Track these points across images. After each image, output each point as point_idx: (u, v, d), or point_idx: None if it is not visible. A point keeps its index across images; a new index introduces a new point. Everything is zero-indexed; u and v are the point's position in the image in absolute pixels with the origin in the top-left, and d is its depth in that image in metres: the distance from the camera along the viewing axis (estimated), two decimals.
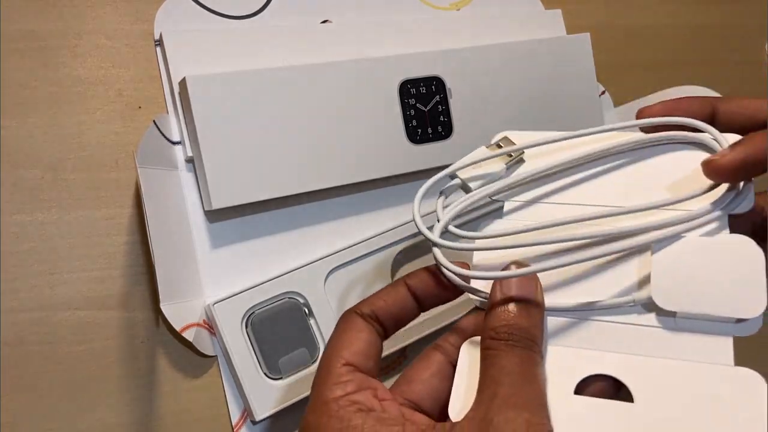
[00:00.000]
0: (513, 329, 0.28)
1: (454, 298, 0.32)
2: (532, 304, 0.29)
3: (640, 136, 0.33)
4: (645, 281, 0.29)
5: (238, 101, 0.39)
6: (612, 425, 0.27)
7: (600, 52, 0.51)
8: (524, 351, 0.28)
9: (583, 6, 0.55)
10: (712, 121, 0.34)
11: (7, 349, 0.36)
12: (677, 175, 0.32)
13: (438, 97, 0.45)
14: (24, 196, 0.37)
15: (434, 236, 0.31)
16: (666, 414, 0.26)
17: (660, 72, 0.58)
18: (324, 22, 0.45)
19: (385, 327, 0.32)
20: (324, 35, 0.44)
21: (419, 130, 0.44)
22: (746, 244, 0.28)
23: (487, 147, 0.35)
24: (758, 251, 0.28)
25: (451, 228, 0.31)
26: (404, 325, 0.32)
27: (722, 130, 0.32)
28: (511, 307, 0.29)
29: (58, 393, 0.37)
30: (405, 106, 0.44)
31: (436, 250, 0.31)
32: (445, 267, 0.31)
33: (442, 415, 0.29)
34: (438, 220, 0.32)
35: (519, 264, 0.30)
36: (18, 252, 0.37)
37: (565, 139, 0.34)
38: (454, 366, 0.30)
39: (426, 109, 0.44)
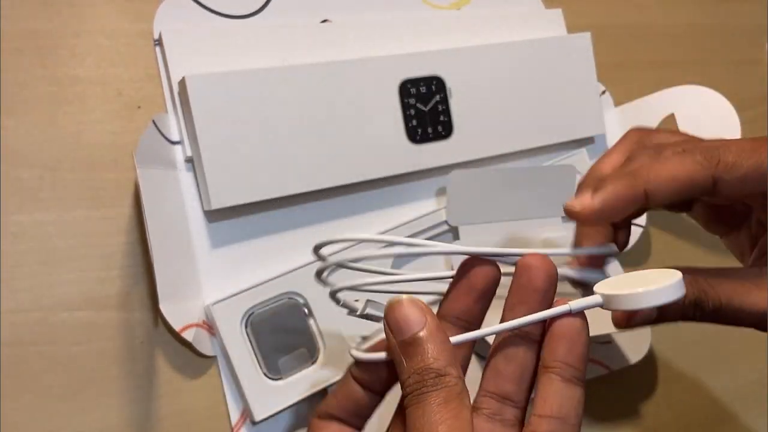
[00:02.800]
0: (416, 374, 0.27)
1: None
2: (417, 339, 0.27)
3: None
4: None
5: (238, 101, 0.39)
6: None
7: (600, 52, 0.51)
8: (431, 396, 0.26)
9: (583, 6, 0.55)
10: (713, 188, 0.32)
11: (6, 349, 0.36)
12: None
13: (438, 97, 0.45)
14: (23, 196, 0.37)
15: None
16: None
17: (660, 72, 0.58)
18: (324, 21, 0.45)
19: (350, 423, 0.30)
20: (324, 35, 0.44)
21: (419, 130, 0.44)
22: None
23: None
24: None
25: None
26: (369, 416, 0.31)
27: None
28: (408, 350, 0.27)
29: (58, 393, 0.37)
30: (405, 106, 0.43)
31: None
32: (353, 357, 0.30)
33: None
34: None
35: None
36: (17, 252, 0.37)
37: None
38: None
39: (426, 109, 0.44)
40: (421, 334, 0.27)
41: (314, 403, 0.41)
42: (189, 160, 0.40)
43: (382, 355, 0.29)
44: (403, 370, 0.27)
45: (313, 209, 0.43)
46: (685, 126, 0.50)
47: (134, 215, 0.39)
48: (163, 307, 0.36)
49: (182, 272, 0.39)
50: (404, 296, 0.28)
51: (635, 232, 0.51)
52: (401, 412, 0.29)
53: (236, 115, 0.39)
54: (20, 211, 0.37)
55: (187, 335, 0.38)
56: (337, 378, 0.40)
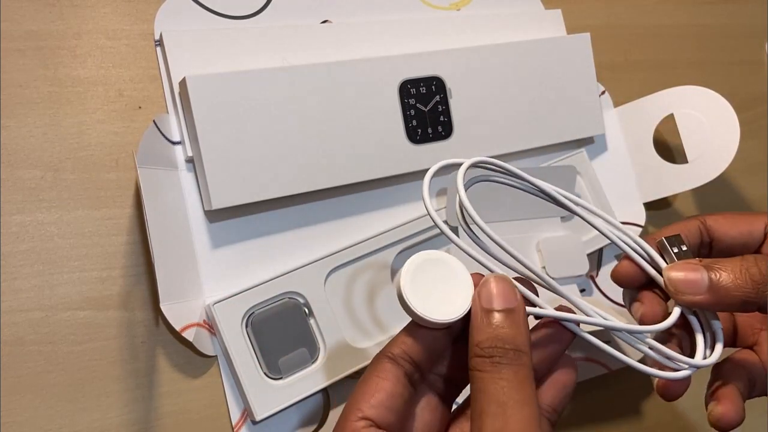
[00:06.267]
0: (497, 342, 0.28)
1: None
2: (513, 312, 0.28)
3: None
4: None
5: (238, 101, 0.39)
6: None
7: (600, 52, 0.51)
8: (511, 368, 0.27)
9: (583, 6, 0.55)
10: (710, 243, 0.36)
11: (7, 349, 0.36)
12: None
13: (438, 97, 0.45)
14: (24, 196, 0.37)
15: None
16: None
17: (660, 72, 0.58)
18: (324, 22, 0.45)
19: (420, 366, 0.30)
20: (324, 35, 0.44)
21: (419, 130, 0.44)
22: None
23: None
24: None
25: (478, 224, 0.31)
26: (442, 357, 0.31)
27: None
28: (495, 319, 0.28)
29: (58, 393, 0.37)
30: (405, 106, 0.44)
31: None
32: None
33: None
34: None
35: (498, 277, 0.29)
36: (18, 252, 0.37)
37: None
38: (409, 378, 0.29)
39: (426, 109, 0.44)
40: (516, 307, 0.28)
41: (314, 403, 0.41)
42: (190, 161, 0.40)
43: (461, 312, 0.29)
44: (484, 334, 0.28)
45: (313, 209, 0.43)
46: (684, 126, 0.50)
47: (135, 215, 0.39)
48: (164, 307, 0.36)
49: (183, 272, 0.39)
50: (501, 273, 0.30)
51: (635, 232, 0.51)
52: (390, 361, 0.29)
53: (237, 116, 0.39)
54: (21, 211, 0.37)
55: (188, 335, 0.38)
56: (337, 378, 0.40)
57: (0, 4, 0.38)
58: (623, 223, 0.51)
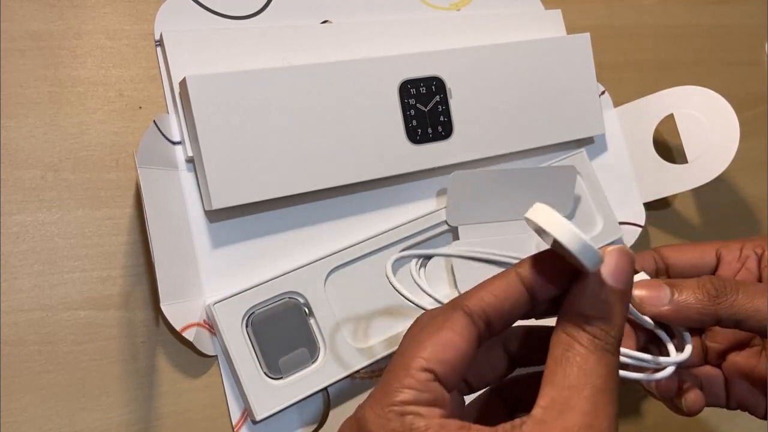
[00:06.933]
0: (605, 322, 0.26)
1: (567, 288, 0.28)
2: (627, 298, 0.27)
3: None
4: None
5: (238, 101, 0.39)
6: None
7: (600, 52, 0.51)
8: (611, 357, 0.26)
9: (583, 6, 0.55)
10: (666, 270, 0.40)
11: (7, 349, 0.36)
12: None
13: (438, 97, 0.45)
14: (24, 196, 0.37)
15: None
16: None
17: (660, 72, 0.58)
18: (324, 22, 0.45)
19: (492, 328, 0.27)
20: (324, 35, 0.44)
21: (419, 130, 0.44)
22: None
23: None
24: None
25: None
26: (511, 325, 0.28)
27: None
28: (608, 295, 0.26)
29: (58, 393, 0.37)
30: (405, 106, 0.44)
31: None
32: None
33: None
34: None
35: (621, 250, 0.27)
36: (18, 252, 0.37)
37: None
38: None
39: (426, 109, 0.44)
40: (630, 294, 0.27)
41: (314, 403, 0.41)
42: (190, 161, 0.40)
43: (594, 254, 0.25)
44: (594, 305, 0.26)
45: (313, 209, 0.43)
46: (684, 126, 0.50)
47: (135, 215, 0.39)
48: (164, 307, 0.36)
49: (183, 272, 0.39)
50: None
51: (635, 232, 0.51)
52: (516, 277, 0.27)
53: (237, 116, 0.39)
54: (22, 211, 0.37)
55: (188, 335, 0.38)
56: (338, 378, 0.40)
57: (0, 4, 0.38)
58: (623, 223, 0.51)
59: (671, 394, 0.37)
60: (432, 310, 0.29)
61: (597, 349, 0.26)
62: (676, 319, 0.33)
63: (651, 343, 0.35)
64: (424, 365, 0.25)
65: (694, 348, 0.34)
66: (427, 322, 0.27)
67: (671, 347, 0.34)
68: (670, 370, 0.32)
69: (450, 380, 0.26)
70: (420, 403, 0.25)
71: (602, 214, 0.49)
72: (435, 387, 0.25)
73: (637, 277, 0.35)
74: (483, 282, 0.28)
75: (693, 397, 0.37)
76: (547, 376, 0.25)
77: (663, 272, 0.40)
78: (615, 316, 0.26)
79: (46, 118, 0.38)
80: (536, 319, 0.30)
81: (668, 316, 0.33)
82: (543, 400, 0.25)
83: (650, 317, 0.33)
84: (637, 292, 0.33)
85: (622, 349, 0.29)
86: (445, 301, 0.29)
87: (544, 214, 0.26)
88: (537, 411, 0.24)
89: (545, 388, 0.25)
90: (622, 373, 0.31)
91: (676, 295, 0.33)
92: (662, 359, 0.32)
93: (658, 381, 0.33)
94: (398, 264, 0.44)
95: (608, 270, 0.27)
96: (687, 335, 0.34)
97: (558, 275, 0.27)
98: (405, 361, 0.26)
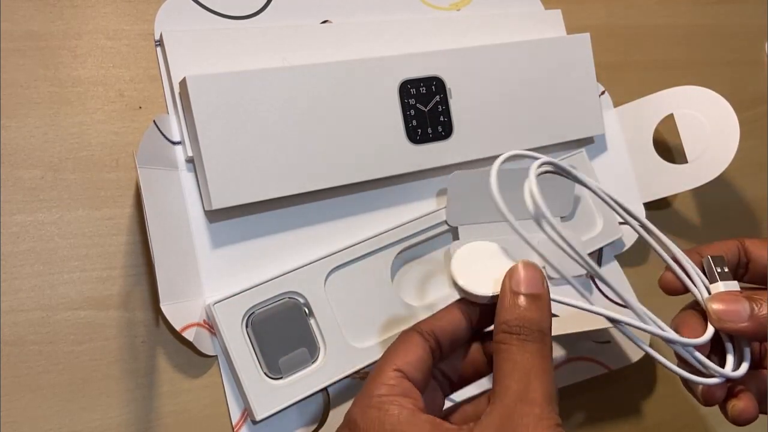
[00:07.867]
0: (524, 322, 0.30)
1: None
2: (540, 298, 0.31)
3: None
4: None
5: (238, 101, 0.39)
6: None
7: (600, 52, 0.51)
8: (535, 344, 0.30)
9: (583, 6, 0.55)
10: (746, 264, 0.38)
11: (7, 349, 0.36)
12: None
13: (438, 97, 0.45)
14: (24, 196, 0.37)
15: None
16: None
17: (660, 72, 0.58)
18: (324, 22, 0.45)
19: (442, 347, 0.33)
20: (324, 35, 0.44)
21: (419, 130, 0.44)
22: None
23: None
24: None
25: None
26: (458, 346, 0.35)
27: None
28: (521, 301, 0.31)
29: (58, 393, 0.37)
30: (405, 106, 0.44)
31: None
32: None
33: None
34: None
35: (527, 264, 0.32)
36: (18, 252, 0.37)
37: None
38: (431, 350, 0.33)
39: (426, 109, 0.44)
40: (542, 294, 0.31)
41: (314, 403, 0.41)
42: (190, 161, 0.40)
43: (489, 292, 0.32)
44: (512, 314, 0.31)
45: (313, 209, 0.43)
46: (684, 126, 0.50)
47: (135, 215, 0.39)
48: (164, 307, 0.36)
49: (183, 272, 0.39)
50: (530, 260, 0.33)
51: (634, 232, 0.51)
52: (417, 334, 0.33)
53: (237, 116, 0.39)
54: (22, 211, 0.37)
55: (188, 335, 0.38)
56: (337, 378, 0.40)
57: (0, 4, 0.38)
58: (623, 223, 0.51)
59: (716, 401, 0.35)
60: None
61: (522, 343, 0.30)
62: (756, 335, 0.32)
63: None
64: (394, 367, 0.32)
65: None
66: (392, 344, 0.34)
67: (730, 358, 0.32)
68: (716, 380, 0.31)
69: (416, 378, 0.32)
70: (393, 394, 0.31)
71: (602, 214, 0.49)
72: (405, 383, 0.31)
73: (713, 288, 0.35)
74: (436, 312, 0.35)
75: (742, 405, 0.35)
76: (494, 376, 0.31)
77: (743, 266, 0.38)
78: (532, 314, 0.31)
79: (46, 118, 0.38)
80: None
81: (746, 333, 0.32)
82: (491, 397, 0.30)
83: (727, 333, 0.32)
84: (714, 306, 0.32)
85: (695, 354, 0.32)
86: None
87: (454, 275, 0.33)
88: (487, 408, 0.30)
89: (492, 389, 0.30)
90: (666, 363, 0.31)
91: (756, 310, 0.32)
92: (714, 369, 0.31)
93: (700, 384, 0.32)
94: (397, 264, 0.44)
95: (520, 280, 0.31)
96: (747, 351, 0.33)
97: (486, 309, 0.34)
98: (379, 367, 0.32)
